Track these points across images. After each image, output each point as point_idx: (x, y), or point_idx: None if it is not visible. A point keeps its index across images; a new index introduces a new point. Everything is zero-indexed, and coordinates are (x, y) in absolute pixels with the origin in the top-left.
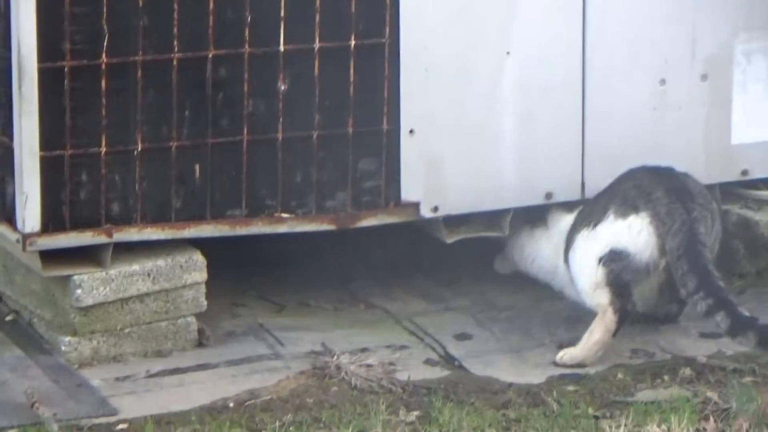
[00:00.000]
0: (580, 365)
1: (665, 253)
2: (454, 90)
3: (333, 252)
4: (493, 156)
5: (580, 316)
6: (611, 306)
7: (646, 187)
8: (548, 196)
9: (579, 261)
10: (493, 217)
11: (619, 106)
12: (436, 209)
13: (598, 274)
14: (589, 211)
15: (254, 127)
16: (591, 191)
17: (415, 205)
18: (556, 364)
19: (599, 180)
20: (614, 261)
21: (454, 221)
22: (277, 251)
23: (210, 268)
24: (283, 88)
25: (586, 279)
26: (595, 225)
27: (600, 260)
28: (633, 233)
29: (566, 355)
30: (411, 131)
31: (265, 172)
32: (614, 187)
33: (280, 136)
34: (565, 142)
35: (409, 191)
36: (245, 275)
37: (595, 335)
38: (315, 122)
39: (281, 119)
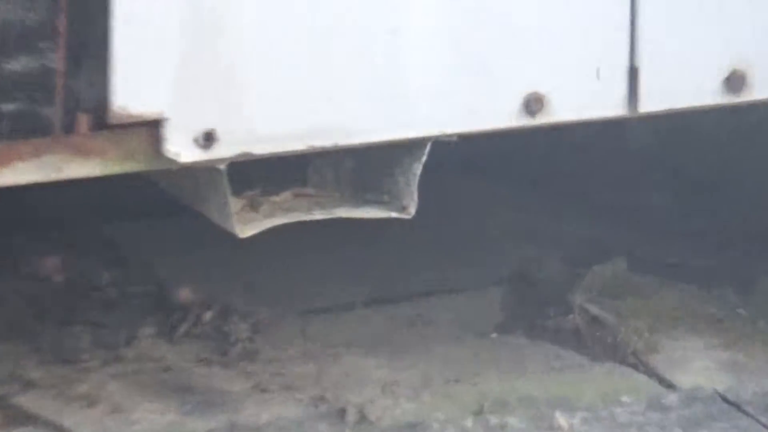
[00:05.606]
0: None
1: None
2: None
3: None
4: None
5: None
6: None
7: None
8: (530, 103)
9: None
10: (375, 166)
11: None
12: (209, 139)
13: None
14: None
15: None
16: (652, 92)
17: (151, 127)
18: None
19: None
20: None
21: (259, 177)
22: None
23: None
24: None
25: None
26: None
27: None
28: None
29: None
30: None
31: None
32: None
33: None
34: None
35: (133, 88)
36: None
37: None
38: None
39: None
